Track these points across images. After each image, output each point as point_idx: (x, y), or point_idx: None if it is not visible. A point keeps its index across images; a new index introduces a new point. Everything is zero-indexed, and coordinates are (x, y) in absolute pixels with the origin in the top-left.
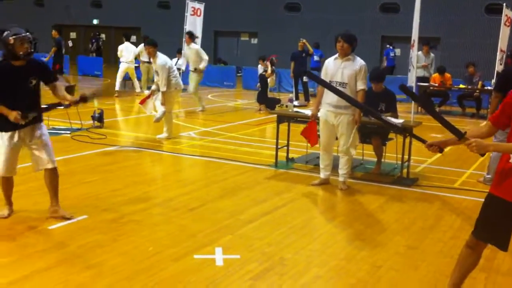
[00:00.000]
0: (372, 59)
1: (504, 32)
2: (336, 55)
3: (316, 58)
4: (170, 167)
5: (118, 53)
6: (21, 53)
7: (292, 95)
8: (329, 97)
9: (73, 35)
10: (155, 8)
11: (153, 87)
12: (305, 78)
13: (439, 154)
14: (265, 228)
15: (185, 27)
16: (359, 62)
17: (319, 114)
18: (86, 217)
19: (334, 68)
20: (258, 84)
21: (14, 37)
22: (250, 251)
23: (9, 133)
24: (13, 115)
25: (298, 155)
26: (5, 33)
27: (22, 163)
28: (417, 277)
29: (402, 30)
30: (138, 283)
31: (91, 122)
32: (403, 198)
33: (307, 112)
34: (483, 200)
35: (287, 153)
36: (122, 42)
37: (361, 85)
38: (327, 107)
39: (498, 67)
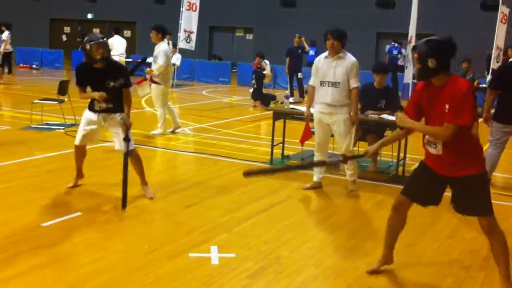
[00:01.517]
0: (367, 55)
1: (500, 29)
2: (327, 53)
3: (311, 52)
4: (165, 164)
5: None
6: (97, 57)
7: (288, 92)
8: (321, 96)
9: (67, 29)
10: (150, 2)
11: (152, 67)
12: (300, 75)
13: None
14: (261, 226)
15: (180, 22)
16: (350, 59)
17: (313, 113)
18: (80, 214)
19: (325, 67)
20: (253, 80)
21: (90, 43)
22: (246, 250)
23: (91, 112)
24: (98, 94)
25: (294, 152)
26: (85, 39)
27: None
28: (415, 276)
29: (397, 27)
30: (134, 281)
31: None
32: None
33: (303, 108)
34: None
35: (283, 150)
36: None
37: (354, 83)
38: (321, 107)
39: (494, 64)
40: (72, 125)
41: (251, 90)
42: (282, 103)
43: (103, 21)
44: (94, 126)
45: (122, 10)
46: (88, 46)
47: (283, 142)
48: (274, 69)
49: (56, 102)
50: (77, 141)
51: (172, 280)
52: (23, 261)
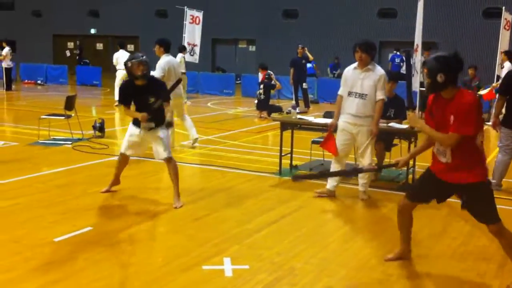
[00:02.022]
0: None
1: (503, 35)
2: (355, 64)
3: (309, 65)
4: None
5: (114, 61)
6: (138, 74)
7: (293, 102)
8: (348, 107)
9: (70, 45)
10: (153, 16)
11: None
12: (304, 85)
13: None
14: (273, 237)
15: (184, 35)
16: (379, 71)
17: (338, 123)
18: (91, 228)
19: (353, 78)
20: (259, 91)
21: (132, 61)
22: (259, 261)
23: (135, 127)
24: (140, 115)
25: (302, 162)
26: (129, 57)
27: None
28: (429, 285)
29: (400, 35)
30: None
31: (92, 132)
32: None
33: (310, 118)
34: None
35: (291, 160)
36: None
37: (380, 95)
38: (347, 118)
39: (498, 71)
40: (79, 139)
41: (256, 101)
42: (288, 113)
43: (106, 36)
44: (137, 139)
45: (125, 24)
46: (129, 64)
47: (291, 152)
48: (278, 80)
49: (63, 118)
50: (122, 149)
51: None
52: (36, 278)
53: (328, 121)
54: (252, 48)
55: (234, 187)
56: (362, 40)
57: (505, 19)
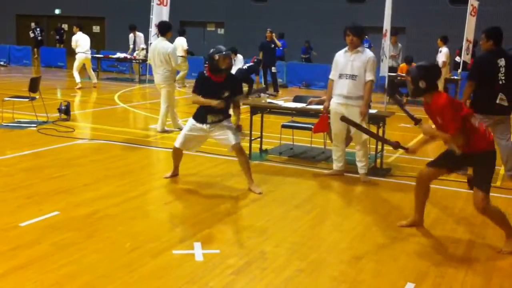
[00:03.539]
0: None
1: (470, 22)
2: (346, 48)
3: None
4: (142, 160)
5: (73, 43)
6: (223, 67)
7: (263, 86)
8: (339, 88)
9: (34, 25)
10: None
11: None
12: (273, 69)
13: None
14: (244, 221)
15: (151, 17)
16: (368, 53)
17: (330, 106)
18: (58, 213)
19: (344, 61)
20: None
21: (219, 54)
22: (229, 245)
23: (198, 123)
24: (216, 102)
25: (272, 146)
26: (211, 50)
27: None
28: (398, 268)
29: (369, 20)
30: (117, 280)
31: (58, 114)
32: (378, 189)
33: (279, 102)
34: (458, 189)
35: (261, 144)
36: (90, 32)
37: (369, 76)
38: (338, 99)
39: (465, 57)
40: (44, 122)
41: None
42: (259, 97)
43: (71, 16)
44: (198, 133)
45: (91, 5)
46: (217, 57)
47: (261, 137)
48: (246, 64)
49: (28, 100)
50: (177, 143)
51: (156, 278)
52: (1, 263)
53: (298, 105)
54: (221, 31)
55: (204, 171)
56: (352, 23)
57: (472, 5)
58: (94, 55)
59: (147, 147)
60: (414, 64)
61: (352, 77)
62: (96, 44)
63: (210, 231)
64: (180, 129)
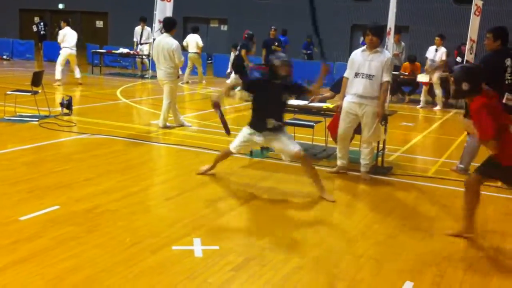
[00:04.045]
0: (342, 47)
1: (474, 21)
2: (364, 47)
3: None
4: (144, 156)
5: (59, 38)
6: (283, 74)
7: None
8: (354, 87)
9: (37, 20)
10: None
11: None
12: None
13: (411, 143)
14: (244, 218)
15: (155, 12)
16: (387, 54)
17: (343, 103)
18: (59, 207)
19: (361, 59)
20: (228, 70)
21: (281, 60)
22: (229, 242)
23: (255, 132)
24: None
25: None
26: (272, 56)
27: None
28: (398, 266)
29: (373, 19)
30: (117, 275)
31: (60, 109)
32: (379, 187)
33: None
34: (457, 188)
35: None
36: (93, 27)
37: (386, 77)
38: (352, 98)
39: (468, 56)
40: (46, 116)
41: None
42: None
43: (74, 11)
44: (253, 142)
45: (94, 0)
46: (278, 63)
47: None
48: (250, 61)
49: (30, 94)
50: (232, 147)
51: (156, 274)
52: (2, 257)
53: (300, 102)
54: (224, 28)
55: None
56: (373, 23)
57: (476, 4)
58: (98, 50)
59: (149, 143)
60: (417, 64)
61: (369, 76)
62: (99, 39)
63: (210, 228)
64: (182, 125)
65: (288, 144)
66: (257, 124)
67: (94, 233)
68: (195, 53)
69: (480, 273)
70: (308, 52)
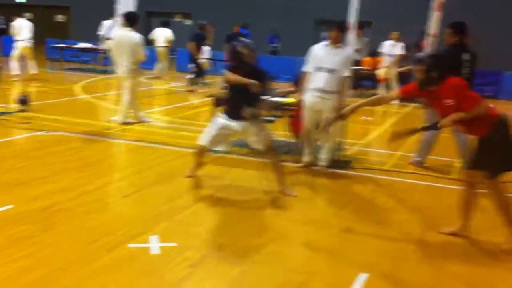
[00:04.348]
0: (304, 43)
1: (434, 17)
2: (326, 42)
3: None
4: (101, 153)
5: (14, 31)
6: (250, 61)
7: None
8: (317, 81)
9: None
10: None
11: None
12: None
13: (370, 137)
14: (202, 213)
15: (118, 6)
16: (349, 50)
17: (305, 99)
18: (14, 206)
19: (324, 54)
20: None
21: (246, 47)
22: (187, 238)
23: (229, 119)
24: (252, 82)
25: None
26: (236, 44)
27: None
28: (354, 258)
29: (335, 14)
30: (72, 274)
31: (16, 105)
32: (337, 181)
33: None
34: (414, 181)
35: None
36: (51, 21)
37: (347, 72)
38: (314, 93)
39: (426, 51)
40: (2, 113)
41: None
42: (223, 88)
43: (36, 5)
44: (228, 132)
45: None
46: (245, 51)
47: None
48: (214, 56)
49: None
50: (204, 141)
51: (112, 272)
52: None
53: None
54: (188, 22)
55: (164, 163)
56: (339, 20)
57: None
58: (57, 45)
59: (108, 139)
60: (378, 58)
61: (332, 71)
62: (62, 33)
63: (168, 224)
64: (143, 121)
65: (263, 133)
66: (233, 112)
67: (49, 231)
68: (164, 47)
69: (433, 263)
70: (273, 45)
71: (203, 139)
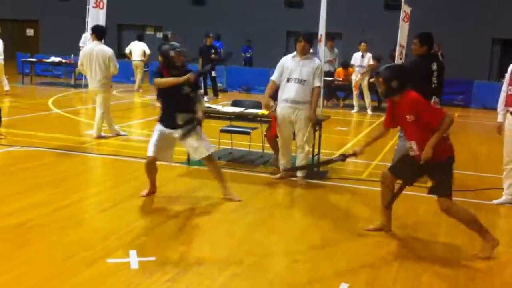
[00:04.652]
0: (276, 53)
1: (403, 27)
2: (294, 53)
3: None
4: (76, 167)
5: None
6: (178, 64)
7: (201, 91)
8: (287, 92)
9: None
10: None
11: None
12: (213, 73)
13: (346, 147)
14: (180, 227)
15: (87, 20)
16: (316, 61)
17: (277, 111)
18: None
19: (293, 65)
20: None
21: (174, 50)
22: (165, 252)
23: (166, 128)
24: (184, 78)
25: None
26: (165, 47)
27: None
28: (333, 268)
29: (306, 25)
30: None
31: None
32: (314, 191)
33: (218, 107)
34: None
35: None
36: (24, 36)
37: (317, 82)
38: (285, 104)
39: (398, 62)
40: None
41: None
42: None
43: (4, 20)
44: (168, 140)
45: (24, 7)
46: (172, 54)
47: None
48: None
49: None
50: (151, 153)
51: (91, 287)
52: None
53: (236, 109)
54: (160, 35)
55: (141, 177)
56: (305, 31)
57: (404, 11)
58: (28, 59)
59: (83, 154)
60: (350, 69)
61: (301, 81)
62: (31, 47)
63: (146, 239)
64: (118, 134)
65: (201, 144)
66: (168, 120)
67: (24, 248)
68: (140, 60)
69: (412, 272)
70: (247, 55)
71: (149, 150)
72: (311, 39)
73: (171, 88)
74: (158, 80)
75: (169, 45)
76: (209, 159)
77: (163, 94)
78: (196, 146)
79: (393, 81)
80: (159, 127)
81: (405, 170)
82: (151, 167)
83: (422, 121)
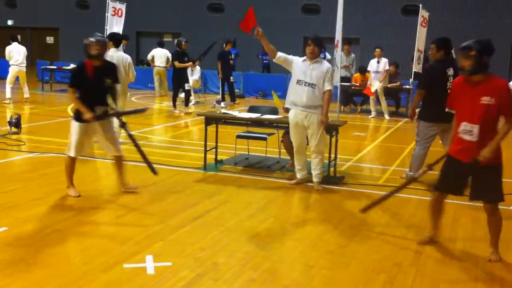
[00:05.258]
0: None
1: (420, 32)
2: (304, 57)
3: (232, 56)
4: (94, 173)
5: (6, 55)
6: (94, 52)
7: (219, 97)
8: (297, 95)
9: None
10: (73, 7)
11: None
12: (231, 79)
13: (363, 152)
14: (197, 232)
15: (106, 27)
16: (326, 64)
17: (289, 116)
18: (6, 228)
19: (303, 69)
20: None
21: (89, 39)
22: (182, 257)
23: (83, 123)
24: (87, 116)
25: (227, 156)
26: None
27: None
28: (349, 275)
29: (323, 31)
30: None
31: (7, 128)
32: (330, 197)
33: (235, 113)
34: (407, 196)
35: (216, 155)
36: (43, 43)
37: (328, 86)
38: (296, 111)
39: (416, 67)
40: None
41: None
42: (214, 107)
43: (24, 27)
44: (87, 133)
45: (44, 15)
46: (88, 41)
47: (216, 147)
48: (204, 74)
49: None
50: (72, 152)
51: None
52: None
53: (253, 115)
54: None
55: (158, 183)
56: (314, 35)
57: (422, 16)
58: (48, 67)
59: (101, 160)
60: (368, 74)
61: (311, 85)
62: (50, 55)
63: (163, 244)
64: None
65: (115, 141)
66: (79, 116)
67: (42, 254)
68: (163, 67)
69: (429, 280)
70: (264, 61)
71: (70, 150)
72: (320, 43)
73: (92, 81)
74: (70, 95)
75: (91, 35)
76: (121, 157)
77: (81, 85)
78: (109, 142)
79: (485, 56)
80: (76, 125)
81: (451, 182)
82: (70, 167)
83: (497, 109)
